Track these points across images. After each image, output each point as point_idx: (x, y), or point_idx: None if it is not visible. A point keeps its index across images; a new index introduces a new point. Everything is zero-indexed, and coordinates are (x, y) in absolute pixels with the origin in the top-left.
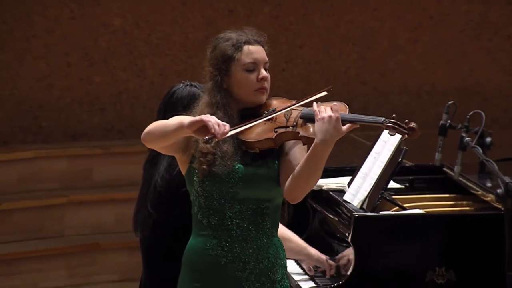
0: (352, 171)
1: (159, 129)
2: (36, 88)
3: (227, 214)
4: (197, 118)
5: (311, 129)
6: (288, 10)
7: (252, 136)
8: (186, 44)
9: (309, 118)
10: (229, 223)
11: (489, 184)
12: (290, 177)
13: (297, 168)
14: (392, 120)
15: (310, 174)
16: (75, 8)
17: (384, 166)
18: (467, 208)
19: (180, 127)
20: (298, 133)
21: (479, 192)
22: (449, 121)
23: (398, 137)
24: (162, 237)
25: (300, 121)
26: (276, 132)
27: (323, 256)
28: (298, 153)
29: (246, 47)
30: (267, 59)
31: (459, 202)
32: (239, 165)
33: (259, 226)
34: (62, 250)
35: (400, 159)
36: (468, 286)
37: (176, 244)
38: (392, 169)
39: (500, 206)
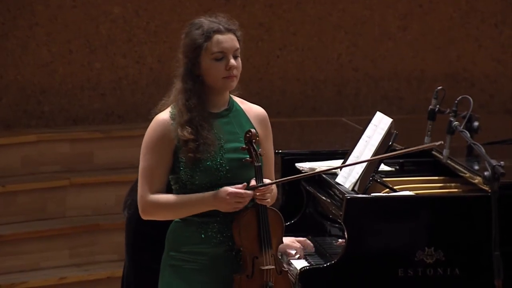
0: (344, 154)
1: (178, 213)
2: (39, 74)
3: None
4: (228, 206)
5: None
6: None
7: None
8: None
9: None
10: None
11: (476, 167)
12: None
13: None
14: None
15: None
16: None
17: (375, 150)
18: (455, 190)
19: (212, 206)
20: None
21: (467, 175)
22: (438, 106)
23: (388, 121)
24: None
25: None
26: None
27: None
28: (270, 149)
29: (215, 37)
30: (237, 46)
31: (448, 184)
32: (225, 156)
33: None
34: (64, 230)
35: (390, 143)
36: (456, 265)
37: (156, 228)
38: (383, 152)
39: (487, 188)
